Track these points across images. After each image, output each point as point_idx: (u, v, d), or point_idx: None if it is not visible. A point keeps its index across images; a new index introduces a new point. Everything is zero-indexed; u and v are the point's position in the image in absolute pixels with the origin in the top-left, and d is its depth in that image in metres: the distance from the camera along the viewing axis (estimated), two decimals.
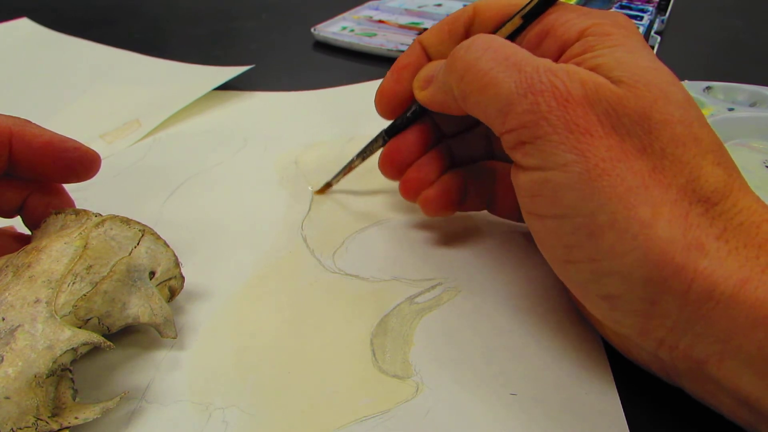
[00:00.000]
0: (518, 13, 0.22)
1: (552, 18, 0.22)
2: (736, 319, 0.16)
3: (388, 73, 0.27)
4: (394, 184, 0.28)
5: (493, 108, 0.20)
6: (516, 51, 0.20)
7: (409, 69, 0.26)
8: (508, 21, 0.23)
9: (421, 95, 0.25)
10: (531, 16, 0.22)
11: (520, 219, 0.27)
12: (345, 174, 0.31)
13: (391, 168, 0.27)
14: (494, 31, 0.23)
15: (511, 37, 0.23)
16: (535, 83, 0.19)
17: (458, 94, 0.22)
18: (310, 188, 0.33)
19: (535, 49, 0.22)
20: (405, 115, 0.27)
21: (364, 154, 0.29)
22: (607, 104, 0.18)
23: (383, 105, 0.27)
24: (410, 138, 0.27)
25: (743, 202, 0.18)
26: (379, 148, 0.28)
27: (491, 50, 0.20)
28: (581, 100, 0.18)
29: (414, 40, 0.27)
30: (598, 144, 0.18)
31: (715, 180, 0.18)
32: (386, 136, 0.28)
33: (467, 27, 0.25)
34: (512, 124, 0.19)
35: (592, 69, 0.19)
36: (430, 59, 0.26)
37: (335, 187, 0.32)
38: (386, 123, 0.28)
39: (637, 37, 0.20)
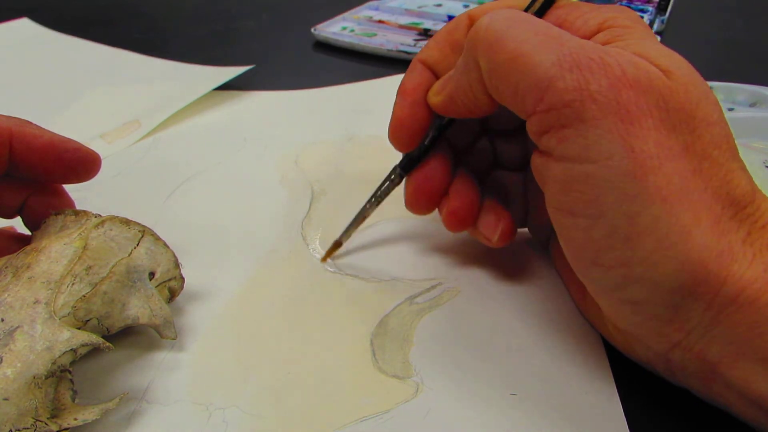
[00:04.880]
0: (529, 8, 0.21)
1: (562, 12, 0.21)
2: (756, 321, 0.16)
3: (398, 101, 0.24)
4: None
5: (527, 82, 0.17)
6: (550, 25, 0.18)
7: (418, 90, 0.24)
8: None
9: (438, 99, 0.23)
10: (543, 10, 0.21)
11: (523, 225, 0.27)
12: (357, 225, 0.27)
13: (426, 201, 0.25)
14: None
15: None
16: (582, 58, 0.17)
17: (486, 69, 0.19)
18: (311, 187, 0.33)
19: None
20: (423, 144, 0.24)
21: (378, 198, 0.26)
22: (659, 94, 0.17)
23: (401, 136, 0.24)
24: (434, 166, 0.24)
25: (765, 204, 0.17)
26: (395, 186, 0.26)
27: (522, 21, 0.18)
28: (634, 83, 0.16)
29: (413, 60, 0.24)
30: (647, 137, 0.16)
31: (745, 183, 0.17)
32: (403, 171, 0.25)
33: None
34: (551, 102, 0.17)
35: (635, 55, 0.17)
36: (437, 77, 0.24)
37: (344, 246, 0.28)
38: (384, 123, 0.27)
39: (654, 36, 0.19)
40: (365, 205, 0.27)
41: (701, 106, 0.17)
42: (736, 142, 0.18)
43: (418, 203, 0.25)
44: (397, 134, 0.24)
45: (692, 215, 0.16)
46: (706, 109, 0.17)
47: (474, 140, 0.26)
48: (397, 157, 0.26)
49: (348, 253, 0.28)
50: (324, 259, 0.28)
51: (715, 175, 0.17)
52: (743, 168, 0.18)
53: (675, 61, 0.18)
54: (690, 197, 0.16)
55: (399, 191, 0.26)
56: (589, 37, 0.19)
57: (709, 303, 0.16)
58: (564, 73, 0.17)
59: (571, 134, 0.17)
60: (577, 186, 0.17)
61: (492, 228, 0.24)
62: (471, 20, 0.23)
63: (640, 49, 0.18)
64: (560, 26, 0.20)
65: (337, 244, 0.27)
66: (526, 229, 0.28)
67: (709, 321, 0.17)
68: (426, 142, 0.24)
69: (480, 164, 0.27)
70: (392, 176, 0.26)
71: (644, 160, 0.16)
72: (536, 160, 0.19)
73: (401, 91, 0.24)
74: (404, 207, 0.28)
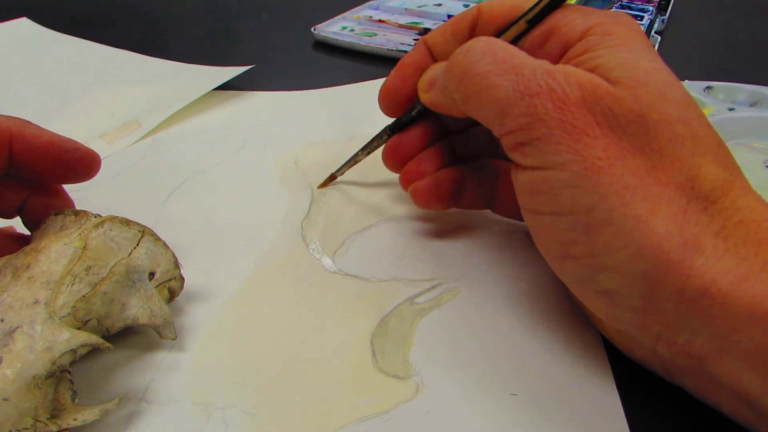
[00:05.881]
0: (522, 17, 0.22)
1: (556, 18, 0.22)
2: (733, 316, 0.16)
3: (393, 71, 0.27)
4: (395, 183, 0.28)
5: (491, 111, 0.20)
6: (514, 54, 0.20)
7: (413, 67, 0.27)
8: (512, 25, 0.23)
9: (425, 97, 0.25)
10: (535, 20, 0.22)
11: (522, 218, 0.27)
12: (349, 167, 0.31)
13: (393, 160, 0.28)
14: (498, 34, 0.23)
15: (516, 40, 0.23)
16: (532, 86, 0.19)
17: (458, 97, 0.22)
18: (310, 187, 0.33)
19: (539, 49, 0.22)
20: (410, 114, 0.27)
21: (368, 148, 0.30)
22: (604, 105, 0.18)
23: (387, 102, 0.28)
24: (413, 133, 0.27)
25: (743, 200, 0.18)
26: (383, 143, 0.29)
27: (489, 54, 0.21)
28: (578, 101, 0.19)
29: (419, 39, 0.27)
30: (595, 144, 0.18)
31: (714, 178, 0.18)
32: (390, 132, 0.28)
33: (471, 28, 0.25)
34: (510, 127, 0.20)
35: (591, 70, 0.19)
36: (435, 59, 0.27)
37: (339, 179, 0.33)
38: (388, 120, 0.28)
39: (639, 37, 0.20)
40: (357, 152, 0.31)
41: (655, 108, 0.18)
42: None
43: (389, 159, 0.28)
44: (384, 99, 0.28)
45: (649, 206, 0.17)
46: (662, 109, 0.18)
47: (470, 125, 0.29)
48: None
49: (348, 252, 0.28)
50: (322, 186, 0.32)
51: (678, 171, 0.18)
52: (719, 161, 0.18)
53: (628, 69, 0.19)
54: (646, 190, 0.18)
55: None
56: (570, 46, 0.21)
57: (678, 293, 0.17)
58: (517, 101, 0.19)
59: (529, 150, 0.19)
60: (539, 188, 0.20)
61: (411, 183, 0.27)
62: (479, 13, 0.25)
63: (602, 60, 0.19)
64: (551, 33, 0.22)
65: (332, 177, 0.32)
66: (526, 229, 0.28)
67: (684, 313, 0.17)
68: (414, 113, 0.27)
69: (474, 147, 0.29)
70: (382, 134, 0.29)
71: (594, 162, 0.18)
72: (512, 172, 0.22)
73: (398, 65, 0.27)
74: (404, 207, 0.28)
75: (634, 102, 0.18)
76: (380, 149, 0.29)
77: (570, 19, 0.21)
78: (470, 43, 0.21)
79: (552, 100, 0.19)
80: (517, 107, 0.19)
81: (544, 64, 0.20)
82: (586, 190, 0.18)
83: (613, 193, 0.18)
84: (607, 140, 0.18)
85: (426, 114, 0.27)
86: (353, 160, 0.31)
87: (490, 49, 0.21)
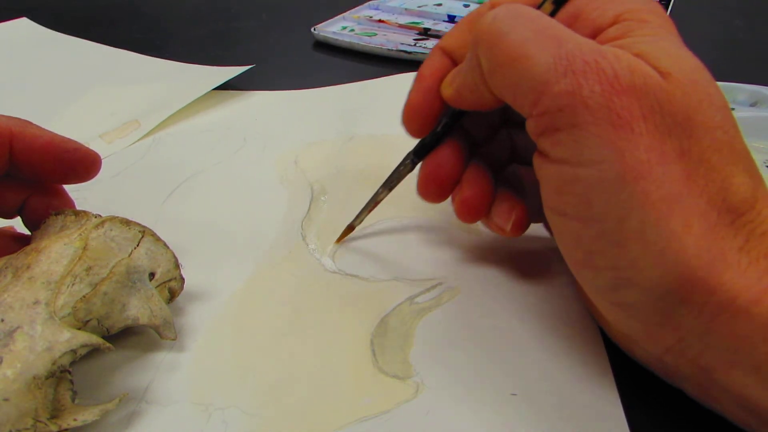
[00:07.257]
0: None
1: (581, 3, 0.20)
2: (749, 330, 0.16)
3: (413, 86, 0.24)
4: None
5: (524, 85, 0.18)
6: (553, 24, 0.18)
7: (435, 77, 0.23)
8: (539, 7, 0.21)
9: (449, 91, 0.23)
10: (561, 1, 0.20)
11: (538, 219, 0.26)
12: (369, 211, 0.27)
13: (437, 188, 0.24)
14: None
15: None
16: (577, 61, 0.17)
17: (486, 68, 0.19)
18: (310, 187, 0.33)
19: None
20: (435, 131, 0.24)
21: (390, 183, 0.26)
22: (654, 98, 0.16)
23: (414, 121, 0.24)
24: (447, 153, 0.24)
25: (767, 210, 0.17)
26: (407, 173, 0.26)
27: (525, 19, 0.18)
28: (628, 88, 0.16)
29: (433, 48, 0.24)
30: (638, 142, 0.16)
31: (744, 189, 0.17)
32: (416, 158, 0.25)
33: None
34: (545, 106, 0.17)
35: (637, 56, 0.17)
36: (455, 64, 0.23)
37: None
38: (387, 120, 0.28)
39: (673, 29, 0.19)
40: (378, 190, 0.27)
41: (701, 110, 0.17)
42: None
43: (429, 190, 0.25)
44: (409, 119, 0.24)
45: (683, 221, 0.16)
46: (707, 112, 0.17)
47: (493, 132, 0.26)
48: (397, 156, 0.26)
49: (348, 252, 0.28)
50: (337, 241, 0.28)
51: (712, 181, 0.17)
52: (748, 171, 0.17)
53: (677, 62, 0.17)
54: (682, 203, 0.16)
55: (409, 183, 0.26)
56: (603, 30, 0.19)
57: (700, 309, 0.16)
58: (558, 78, 0.17)
59: (564, 138, 0.17)
60: (569, 188, 0.18)
61: (505, 217, 0.24)
62: (494, 6, 0.22)
63: (646, 47, 0.17)
64: (577, 17, 0.20)
65: (350, 228, 0.28)
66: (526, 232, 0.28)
67: (702, 328, 0.17)
68: (439, 129, 0.24)
69: (498, 156, 0.26)
70: (405, 162, 0.26)
71: (634, 165, 0.16)
72: (535, 160, 0.19)
73: (418, 77, 0.24)
74: (404, 207, 0.28)
75: (683, 100, 0.17)
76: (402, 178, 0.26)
77: (599, 4, 0.19)
78: (500, 7, 0.19)
79: (600, 81, 0.16)
80: (558, 84, 0.17)
81: (589, 41, 0.17)
82: (622, 197, 0.16)
83: (650, 205, 0.16)
84: (651, 139, 0.16)
85: (453, 128, 0.24)
86: (374, 202, 0.27)
87: (524, 14, 0.18)
